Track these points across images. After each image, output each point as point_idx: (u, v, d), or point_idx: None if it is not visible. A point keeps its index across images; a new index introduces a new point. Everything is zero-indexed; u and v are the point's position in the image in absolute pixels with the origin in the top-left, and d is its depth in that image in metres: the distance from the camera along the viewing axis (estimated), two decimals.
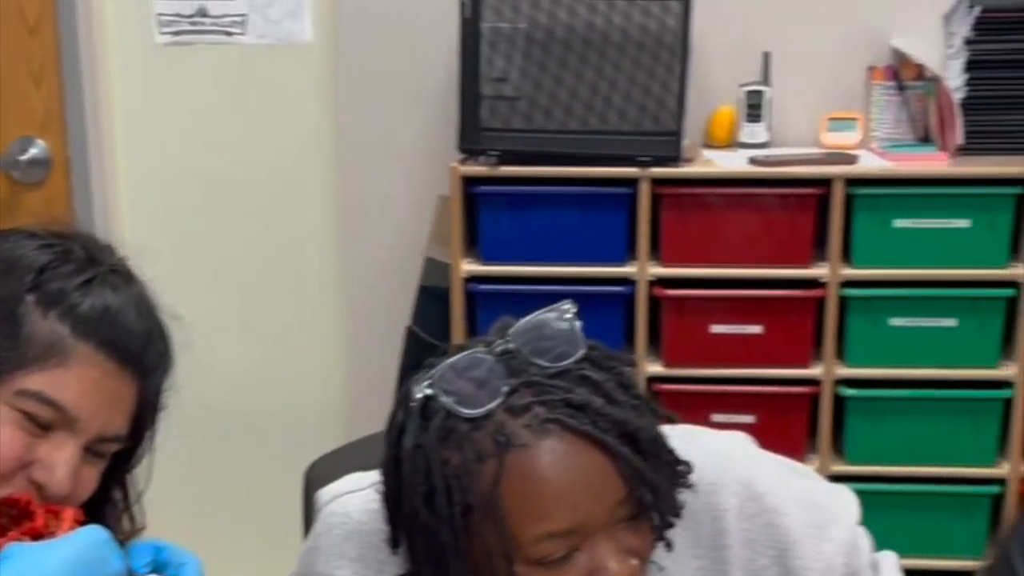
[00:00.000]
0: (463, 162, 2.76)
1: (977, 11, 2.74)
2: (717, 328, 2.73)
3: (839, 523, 1.38)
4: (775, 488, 1.38)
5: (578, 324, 1.24)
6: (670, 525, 1.24)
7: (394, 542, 1.27)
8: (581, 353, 1.23)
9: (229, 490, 3.27)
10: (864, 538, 1.41)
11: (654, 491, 1.21)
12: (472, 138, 2.75)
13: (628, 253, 2.74)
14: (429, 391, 1.21)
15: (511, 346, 1.22)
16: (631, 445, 1.20)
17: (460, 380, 1.21)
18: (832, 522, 1.38)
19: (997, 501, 2.74)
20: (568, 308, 1.25)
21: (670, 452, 1.25)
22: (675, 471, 1.26)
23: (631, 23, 2.72)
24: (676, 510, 1.25)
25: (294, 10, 3.03)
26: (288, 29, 3.04)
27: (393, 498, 1.25)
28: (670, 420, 1.28)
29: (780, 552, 1.36)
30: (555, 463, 1.17)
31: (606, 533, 1.19)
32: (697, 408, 2.67)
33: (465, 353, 1.23)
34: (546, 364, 1.22)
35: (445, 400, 1.20)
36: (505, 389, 1.20)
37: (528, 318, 1.24)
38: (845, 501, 1.42)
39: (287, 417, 3.22)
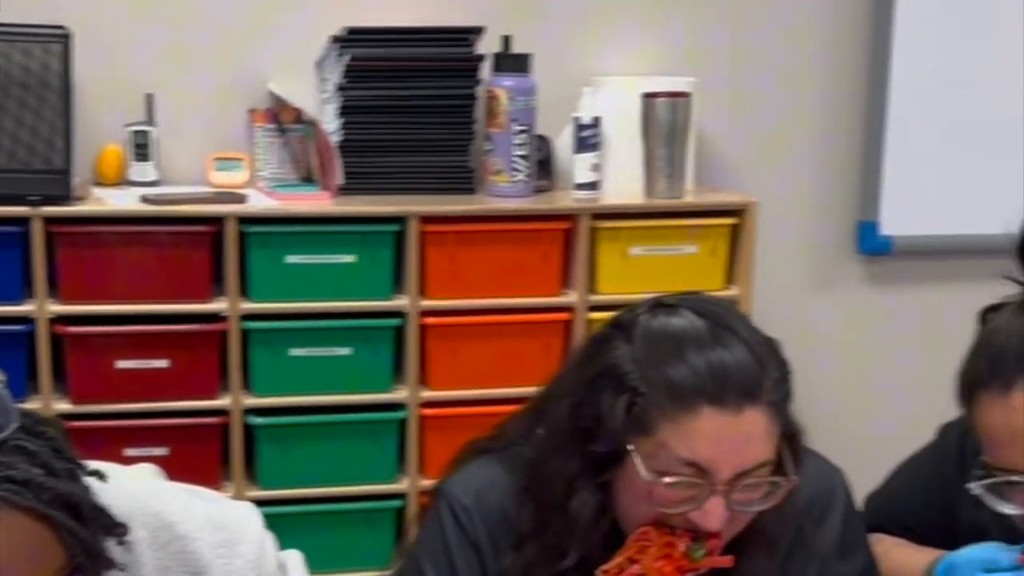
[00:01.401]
0: None
1: (347, 59, 2.89)
2: (123, 364, 2.73)
3: (246, 539, 1.48)
4: (183, 515, 1.45)
5: (7, 392, 1.24)
6: None
7: None
8: (15, 425, 1.23)
9: None
10: (270, 544, 1.52)
11: (92, 556, 1.25)
12: None
13: (25, 291, 2.69)
14: None
15: None
16: (74, 516, 1.23)
17: None
18: (240, 540, 1.47)
19: (400, 514, 2.91)
20: None
21: (108, 517, 1.30)
22: (112, 532, 1.31)
23: (12, 63, 2.68)
24: (111, 564, 1.29)
25: None
26: None
27: None
28: (100, 476, 1.32)
29: None
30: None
31: None
32: (109, 444, 2.65)
33: None
34: None
35: None
36: None
37: None
38: (248, 516, 1.52)
39: None
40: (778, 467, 1.54)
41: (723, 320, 1.54)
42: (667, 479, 1.49)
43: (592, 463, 1.55)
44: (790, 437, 1.57)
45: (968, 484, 1.60)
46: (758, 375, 1.50)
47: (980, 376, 1.58)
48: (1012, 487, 1.56)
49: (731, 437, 1.49)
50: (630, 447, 1.51)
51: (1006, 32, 3.36)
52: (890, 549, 1.83)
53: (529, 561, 1.61)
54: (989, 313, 1.65)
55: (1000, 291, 1.64)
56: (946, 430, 1.85)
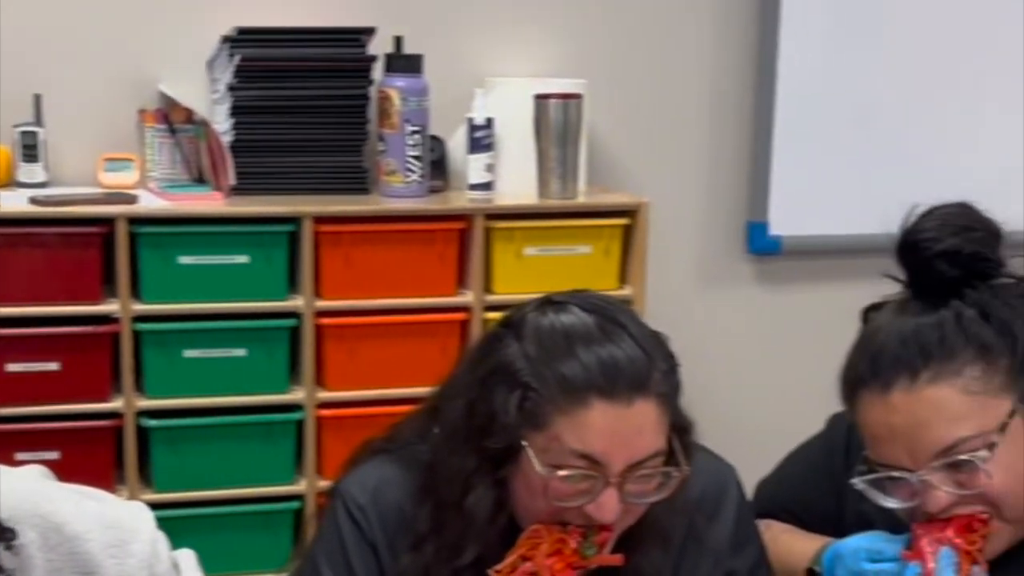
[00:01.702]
0: None
1: (238, 59, 2.89)
2: (13, 367, 2.71)
3: (138, 538, 1.47)
4: (74, 516, 1.44)
5: None
6: None
7: None
8: None
9: None
10: (162, 543, 1.52)
11: None
12: None
13: None
14: None
15: None
16: None
17: None
18: (132, 539, 1.47)
19: (298, 515, 2.90)
20: None
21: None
22: (1, 537, 1.32)
23: None
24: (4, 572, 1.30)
25: None
26: None
27: None
28: None
29: None
30: None
31: None
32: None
33: None
34: None
35: None
36: None
37: None
38: (140, 515, 1.51)
39: None
40: (670, 458, 1.58)
41: (611, 315, 1.58)
42: (561, 472, 1.52)
43: (488, 460, 1.58)
44: (680, 430, 1.61)
45: (852, 479, 1.64)
46: (647, 368, 1.54)
47: (861, 375, 1.62)
48: (893, 482, 1.61)
49: (622, 429, 1.52)
50: (524, 442, 1.54)
51: (890, 38, 3.44)
52: (779, 535, 1.87)
53: (427, 561, 1.62)
54: (871, 312, 1.69)
55: (883, 289, 1.68)
56: (835, 421, 1.89)
